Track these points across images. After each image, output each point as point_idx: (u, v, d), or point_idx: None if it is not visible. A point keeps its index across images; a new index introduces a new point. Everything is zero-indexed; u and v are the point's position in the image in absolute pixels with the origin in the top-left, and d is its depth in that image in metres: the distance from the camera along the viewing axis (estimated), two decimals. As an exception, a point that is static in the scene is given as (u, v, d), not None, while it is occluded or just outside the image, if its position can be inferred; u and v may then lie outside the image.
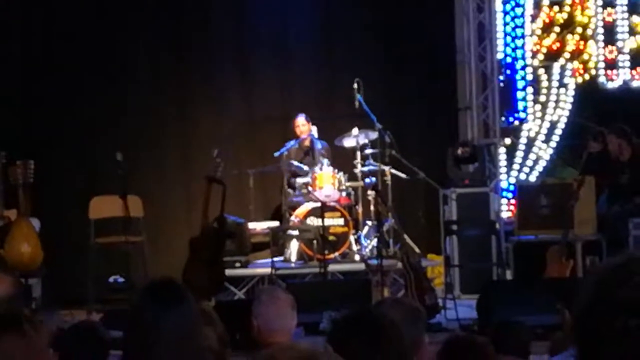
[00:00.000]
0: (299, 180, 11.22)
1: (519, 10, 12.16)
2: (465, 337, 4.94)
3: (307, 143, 11.54)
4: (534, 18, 12.15)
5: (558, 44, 12.16)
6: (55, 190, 11.08)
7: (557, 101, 12.17)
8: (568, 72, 12.15)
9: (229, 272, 10.37)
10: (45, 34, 11.59)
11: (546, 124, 12.15)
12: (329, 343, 3.27)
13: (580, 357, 1.56)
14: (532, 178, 12.00)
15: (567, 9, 12.16)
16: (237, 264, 10.86)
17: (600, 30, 12.13)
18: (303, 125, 11.48)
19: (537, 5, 12.16)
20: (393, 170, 11.13)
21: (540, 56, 12.18)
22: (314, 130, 11.53)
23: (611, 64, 12.15)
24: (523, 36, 12.16)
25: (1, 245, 9.49)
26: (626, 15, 12.11)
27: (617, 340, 1.50)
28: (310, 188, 10.99)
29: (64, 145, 11.45)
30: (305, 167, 11.24)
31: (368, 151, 11.25)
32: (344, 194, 11.17)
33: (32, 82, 11.50)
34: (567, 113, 12.16)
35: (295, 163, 11.32)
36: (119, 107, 11.69)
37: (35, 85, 11.49)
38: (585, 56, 12.17)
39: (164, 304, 3.08)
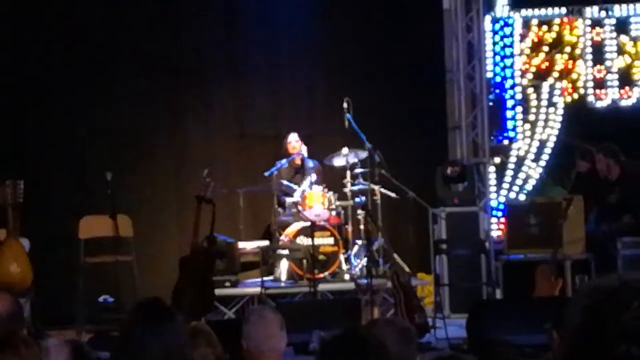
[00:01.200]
0: (289, 200, 11.22)
1: (507, 30, 12.21)
2: (452, 356, 4.93)
3: (297, 162, 11.55)
4: (522, 37, 12.20)
5: (547, 64, 12.21)
6: (45, 210, 11.06)
7: (546, 120, 12.22)
8: (557, 92, 12.20)
9: (218, 291, 10.35)
10: (35, 52, 11.57)
11: (535, 143, 12.19)
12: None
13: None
14: (522, 197, 12.03)
15: (555, 28, 12.21)
16: (227, 284, 10.85)
17: (589, 49, 12.18)
18: (296, 142, 11.49)
19: (526, 25, 12.21)
20: (383, 190, 11.14)
21: (529, 75, 12.23)
22: (304, 149, 11.55)
23: (600, 83, 12.21)
24: (512, 55, 12.21)
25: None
26: (614, 34, 12.17)
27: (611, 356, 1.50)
28: (300, 207, 11.00)
29: (54, 165, 11.43)
30: (296, 187, 11.25)
31: (358, 170, 11.26)
32: (333, 213, 11.17)
33: (22, 102, 11.49)
34: (556, 132, 12.20)
35: (286, 182, 11.33)
36: (109, 126, 11.68)
37: (26, 104, 11.49)
38: (574, 75, 12.22)
39: (152, 325, 3.09)
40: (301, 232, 10.88)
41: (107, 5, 11.83)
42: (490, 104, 12.22)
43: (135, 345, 3.04)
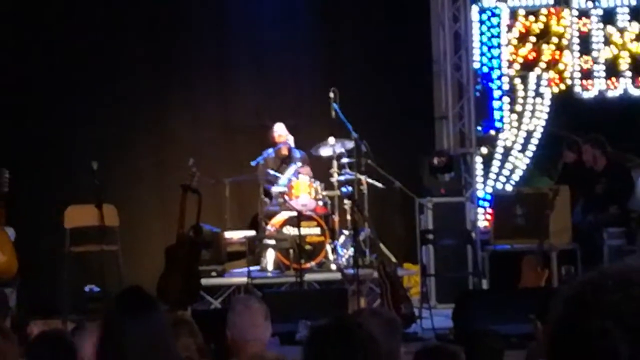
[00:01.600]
0: (275, 189, 11.21)
1: (495, 20, 12.21)
2: (437, 346, 4.93)
3: (284, 152, 11.53)
4: (509, 28, 12.20)
5: (534, 54, 12.21)
6: (30, 199, 11.02)
7: (533, 111, 12.22)
8: (544, 82, 12.20)
9: (204, 281, 10.34)
10: (19, 44, 11.52)
11: (522, 134, 12.19)
12: (305, 352, 3.27)
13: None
14: (508, 188, 12.04)
15: (542, 19, 12.21)
16: (213, 273, 10.83)
17: (576, 40, 12.19)
18: (281, 133, 11.46)
19: (513, 15, 12.21)
20: (369, 180, 11.13)
21: (516, 66, 12.23)
22: (291, 139, 11.52)
23: (586, 74, 12.21)
24: (499, 46, 12.21)
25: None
26: (601, 25, 12.17)
27: (593, 343, 1.50)
28: (286, 197, 10.98)
29: (39, 154, 11.38)
30: (282, 176, 11.23)
31: (344, 160, 11.25)
32: (320, 203, 11.16)
33: (6, 92, 11.44)
34: (543, 123, 12.20)
35: (272, 172, 11.31)
36: (95, 116, 11.64)
37: (10, 94, 11.43)
38: (561, 66, 12.22)
39: (133, 313, 3.09)
40: (288, 222, 10.87)
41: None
42: (477, 94, 12.21)
43: (117, 334, 3.04)
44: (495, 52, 12.21)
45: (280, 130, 11.48)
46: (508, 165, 12.14)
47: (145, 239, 11.52)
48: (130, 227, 10.99)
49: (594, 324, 1.50)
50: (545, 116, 12.21)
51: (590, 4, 12.19)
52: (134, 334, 3.03)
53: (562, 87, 12.24)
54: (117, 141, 11.69)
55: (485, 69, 12.24)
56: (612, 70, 12.22)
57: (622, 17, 12.21)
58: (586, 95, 12.22)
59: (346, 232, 11.21)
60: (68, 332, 5.28)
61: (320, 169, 11.38)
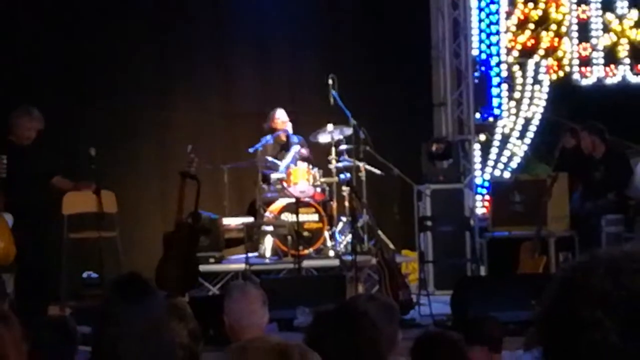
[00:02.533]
0: (274, 176, 11.20)
1: (493, 7, 12.19)
2: (437, 332, 4.95)
3: (282, 138, 11.52)
4: (508, 15, 12.18)
5: (533, 41, 12.20)
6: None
7: (531, 98, 12.22)
8: (542, 69, 12.20)
9: (203, 267, 10.34)
10: (17, 27, 11.50)
11: (520, 121, 12.19)
12: (307, 337, 3.28)
13: (546, 356, 1.56)
14: (506, 174, 12.04)
15: (541, 5, 12.20)
16: (211, 260, 10.84)
17: (575, 27, 12.18)
18: (281, 118, 11.42)
19: (512, 2, 12.19)
20: (367, 166, 11.13)
21: (515, 53, 12.22)
22: (289, 126, 11.50)
23: (585, 61, 12.21)
24: (498, 33, 12.19)
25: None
26: (600, 12, 12.17)
27: (584, 332, 1.50)
28: (284, 184, 10.98)
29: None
30: (280, 163, 11.22)
31: (343, 147, 11.24)
32: (318, 189, 11.16)
33: (6, 76, 11.42)
34: (541, 110, 12.20)
35: (270, 159, 11.31)
36: (93, 101, 11.63)
37: (7, 79, 11.41)
38: (560, 53, 12.22)
39: (130, 299, 3.09)
40: (286, 208, 10.87)
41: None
42: (476, 81, 12.21)
43: (114, 320, 3.05)
44: (494, 39, 12.20)
45: (281, 117, 11.45)
46: (506, 152, 12.15)
47: (143, 225, 11.52)
48: (128, 213, 10.99)
49: (585, 313, 1.50)
50: (544, 103, 12.21)
51: (589, -9, 12.18)
52: (132, 321, 3.04)
53: (561, 74, 12.24)
54: (115, 127, 11.67)
55: (483, 56, 12.23)
56: (611, 57, 12.23)
57: (621, 4, 12.21)
58: (585, 82, 12.22)
59: (344, 218, 11.22)
60: (70, 318, 5.30)
61: (318, 156, 11.38)
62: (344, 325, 3.20)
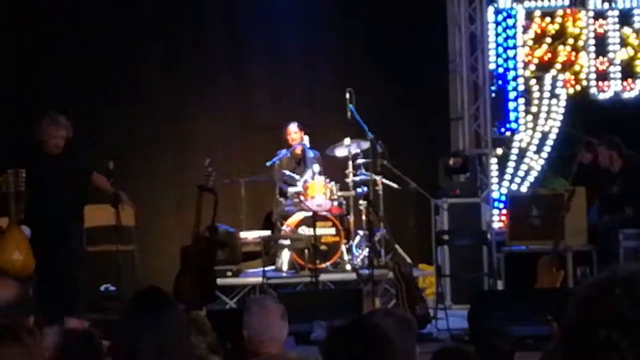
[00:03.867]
0: (291, 190, 11.21)
1: (510, 21, 12.19)
2: (454, 347, 4.94)
3: (298, 152, 11.53)
4: (525, 29, 12.18)
5: (550, 55, 12.19)
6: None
7: (548, 112, 12.20)
8: (559, 83, 12.18)
9: (220, 281, 10.35)
10: (34, 39, 11.55)
11: (537, 135, 12.17)
12: (322, 352, 3.28)
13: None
14: (524, 188, 12.02)
15: (558, 20, 12.19)
16: (229, 273, 10.85)
17: (592, 41, 12.16)
18: (295, 134, 11.47)
19: (529, 16, 12.19)
20: (384, 180, 11.13)
21: (532, 67, 12.21)
22: (306, 139, 11.52)
23: (602, 75, 12.18)
24: (515, 47, 12.19)
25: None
26: (617, 26, 12.15)
27: (600, 354, 1.51)
28: (301, 197, 10.99)
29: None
30: (297, 177, 11.24)
31: (360, 161, 11.25)
32: (335, 203, 11.16)
33: (23, 89, 11.49)
34: (558, 124, 12.19)
35: (287, 172, 11.32)
36: (111, 114, 11.67)
37: (26, 92, 11.47)
38: (577, 67, 12.20)
39: (148, 312, 3.11)
40: (303, 222, 10.88)
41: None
42: (493, 95, 12.21)
43: (131, 333, 3.06)
44: (510, 53, 12.19)
45: (292, 132, 11.47)
46: (523, 166, 12.13)
47: (161, 239, 11.55)
48: (146, 227, 11.03)
49: (601, 335, 1.50)
50: (561, 117, 12.19)
51: (606, 5, 12.17)
52: (149, 334, 3.05)
53: (578, 88, 12.22)
54: (133, 141, 11.72)
55: (500, 70, 12.22)
56: (628, 71, 12.20)
57: (639, 19, 12.19)
58: (602, 96, 12.19)
59: (361, 232, 11.22)
60: (96, 332, 5.32)
61: (335, 170, 11.39)
62: (358, 340, 3.20)
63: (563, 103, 12.20)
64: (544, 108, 12.20)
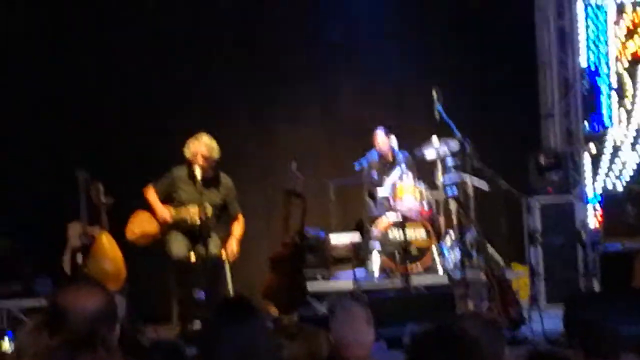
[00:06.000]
0: (380, 193, 11.13)
1: (601, 16, 11.96)
2: (548, 351, 4.81)
3: (389, 159, 11.38)
4: (617, 22, 11.94)
5: (643, 49, 11.94)
6: (136, 207, 11.13)
7: (643, 106, 11.95)
8: (653, 77, 11.92)
9: (311, 286, 10.31)
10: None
11: (632, 131, 11.91)
12: (407, 357, 3.23)
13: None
14: (618, 186, 11.77)
15: (650, 12, 11.94)
16: (319, 277, 10.82)
17: (686, 33, 11.88)
18: (382, 141, 11.35)
19: (620, 10, 11.95)
20: (474, 180, 10.97)
21: (624, 61, 11.96)
22: (394, 141, 11.40)
23: (697, 67, 11.90)
24: (606, 41, 11.95)
25: (85, 264, 9.58)
26: None
27: None
28: (391, 200, 10.90)
29: (141, 164, 11.46)
30: (387, 179, 11.15)
31: (449, 161, 11.11)
32: (425, 205, 11.05)
33: (104, 97, 11.62)
34: (653, 118, 11.93)
35: (376, 175, 11.25)
36: (199, 124, 11.72)
37: (98, 99, 11.58)
38: (671, 60, 11.92)
39: (231, 322, 3.12)
40: (393, 225, 10.79)
41: None
42: (584, 91, 12.00)
43: (214, 342, 3.08)
44: (601, 47, 11.96)
45: (382, 137, 11.34)
46: (617, 163, 11.87)
47: (250, 245, 11.54)
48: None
49: None
50: (656, 111, 11.92)
51: (700, -5, 11.88)
52: (231, 343, 3.06)
53: (672, 81, 11.94)
54: (220, 148, 11.73)
55: (591, 65, 12.00)
56: None
57: None
58: (697, 89, 11.90)
59: (452, 234, 11.08)
60: (181, 342, 5.32)
61: (424, 171, 11.27)
62: (444, 346, 3.14)
63: (658, 97, 11.93)
64: (638, 102, 11.93)
